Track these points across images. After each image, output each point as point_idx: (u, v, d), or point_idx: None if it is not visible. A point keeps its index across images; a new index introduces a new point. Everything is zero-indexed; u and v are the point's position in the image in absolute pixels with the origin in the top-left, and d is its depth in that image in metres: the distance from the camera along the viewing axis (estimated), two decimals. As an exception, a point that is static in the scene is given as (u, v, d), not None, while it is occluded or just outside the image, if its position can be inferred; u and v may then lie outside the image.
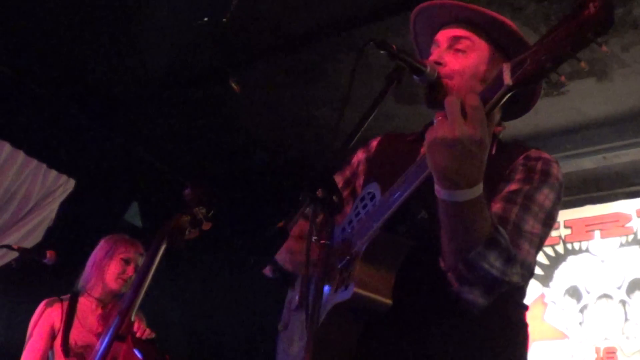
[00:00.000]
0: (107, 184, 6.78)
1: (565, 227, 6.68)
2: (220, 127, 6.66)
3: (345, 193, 2.51)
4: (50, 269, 5.85)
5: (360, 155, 2.58)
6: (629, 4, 4.70)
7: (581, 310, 6.42)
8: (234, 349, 7.29)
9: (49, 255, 4.45)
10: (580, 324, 6.37)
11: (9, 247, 4.83)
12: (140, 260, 4.64)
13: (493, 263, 1.82)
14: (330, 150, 1.74)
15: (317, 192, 1.63)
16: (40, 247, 4.88)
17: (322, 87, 5.84)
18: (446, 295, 1.97)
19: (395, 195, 1.94)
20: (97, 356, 3.91)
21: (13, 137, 6.11)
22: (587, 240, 6.64)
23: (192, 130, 6.73)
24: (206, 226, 4.22)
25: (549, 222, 2.03)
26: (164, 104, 6.38)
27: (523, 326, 2.17)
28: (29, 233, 6.10)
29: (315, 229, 1.67)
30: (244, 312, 7.08)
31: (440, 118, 1.66)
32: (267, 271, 2.51)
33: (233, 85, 5.92)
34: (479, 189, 1.73)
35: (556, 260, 6.68)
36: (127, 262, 4.59)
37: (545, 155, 2.17)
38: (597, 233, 6.61)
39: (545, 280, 6.57)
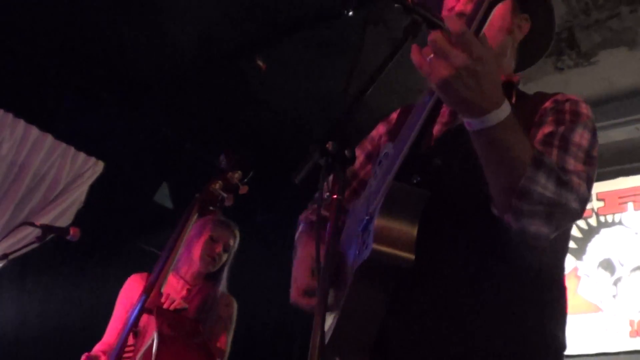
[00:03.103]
0: (136, 166, 6.79)
1: (598, 199, 6.61)
2: (247, 104, 6.65)
3: (367, 168, 2.46)
4: (83, 250, 5.93)
5: (380, 129, 2.53)
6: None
7: (615, 283, 6.34)
8: (274, 327, 7.27)
9: (72, 232, 4.40)
10: (614, 296, 6.30)
11: (31, 224, 4.82)
12: (232, 241, 4.54)
13: (545, 184, 1.76)
14: (344, 106, 1.70)
15: (327, 145, 1.59)
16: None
17: (348, 62, 5.78)
18: (472, 247, 1.93)
19: (402, 144, 1.89)
20: (126, 329, 3.92)
21: (41, 121, 6.14)
22: (621, 212, 6.56)
23: (219, 108, 6.72)
24: (242, 190, 4.18)
25: (590, 160, 1.96)
26: (190, 83, 6.39)
27: (562, 289, 2.08)
28: (60, 215, 6.13)
29: (327, 185, 1.62)
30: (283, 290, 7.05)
31: (431, 56, 1.63)
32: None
33: (259, 63, 5.91)
34: (507, 107, 1.69)
35: (589, 233, 6.60)
36: (214, 240, 4.47)
37: (572, 96, 2.12)
38: (630, 205, 6.53)
39: (579, 253, 6.49)
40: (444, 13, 2.23)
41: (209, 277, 4.52)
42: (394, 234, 1.87)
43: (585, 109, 2.07)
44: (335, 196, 1.59)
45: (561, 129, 1.98)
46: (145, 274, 4.51)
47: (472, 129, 1.72)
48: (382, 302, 1.94)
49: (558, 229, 1.86)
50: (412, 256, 1.87)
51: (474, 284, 1.94)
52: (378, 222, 1.87)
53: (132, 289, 4.45)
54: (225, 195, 4.12)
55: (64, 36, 5.82)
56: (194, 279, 4.46)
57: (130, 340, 4.22)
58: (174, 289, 4.40)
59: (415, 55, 1.66)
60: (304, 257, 2.34)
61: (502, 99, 1.68)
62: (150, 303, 3.98)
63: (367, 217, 1.96)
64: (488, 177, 1.82)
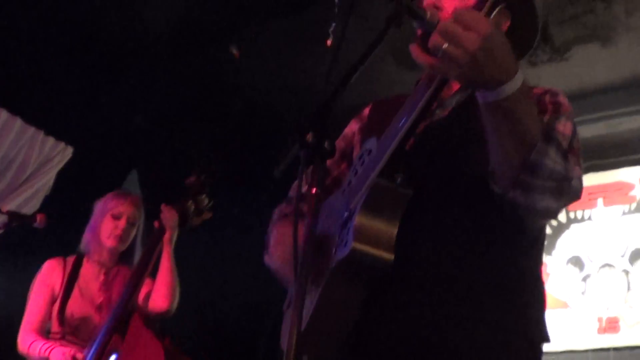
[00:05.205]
0: (106, 152, 6.70)
1: (568, 195, 6.62)
2: (220, 93, 6.58)
3: (342, 166, 2.37)
4: (48, 237, 5.84)
5: (353, 126, 2.43)
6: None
7: (584, 280, 6.39)
8: (239, 323, 7.23)
9: (39, 218, 4.34)
10: (583, 293, 6.34)
11: (-5, 209, 4.75)
12: (134, 213, 4.42)
13: (555, 158, 1.73)
14: (322, 94, 1.65)
15: (307, 137, 1.55)
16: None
17: (324, 53, 5.74)
18: (453, 248, 1.90)
19: (389, 140, 1.85)
20: (94, 346, 3.89)
21: (10, 104, 6.03)
22: (590, 208, 6.60)
23: (192, 95, 6.65)
24: (207, 215, 4.28)
25: (573, 150, 1.92)
26: (163, 69, 6.31)
27: (540, 282, 2.05)
28: (27, 201, 6.05)
29: (305, 179, 1.58)
30: (248, 285, 7.00)
31: (444, 47, 1.57)
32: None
33: (233, 51, 5.87)
34: (521, 75, 1.66)
35: (559, 229, 6.63)
36: (117, 217, 4.38)
37: (549, 88, 2.09)
38: (600, 201, 6.57)
39: (548, 249, 6.51)
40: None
41: (122, 257, 4.47)
42: (375, 233, 1.83)
43: (564, 99, 2.05)
44: (314, 190, 1.55)
45: (545, 118, 1.95)
46: (61, 259, 4.48)
47: (486, 101, 1.69)
48: (357, 302, 1.90)
49: (565, 205, 1.85)
50: (391, 256, 1.83)
51: (452, 280, 1.91)
52: (359, 219, 1.83)
53: (49, 274, 4.41)
54: (194, 217, 4.23)
55: (37, 14, 5.72)
56: (107, 261, 4.42)
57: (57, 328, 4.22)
58: (92, 274, 4.40)
59: (420, 56, 1.65)
60: (286, 233, 2.18)
61: (516, 67, 1.66)
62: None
63: (346, 213, 1.91)
64: (495, 151, 1.79)
